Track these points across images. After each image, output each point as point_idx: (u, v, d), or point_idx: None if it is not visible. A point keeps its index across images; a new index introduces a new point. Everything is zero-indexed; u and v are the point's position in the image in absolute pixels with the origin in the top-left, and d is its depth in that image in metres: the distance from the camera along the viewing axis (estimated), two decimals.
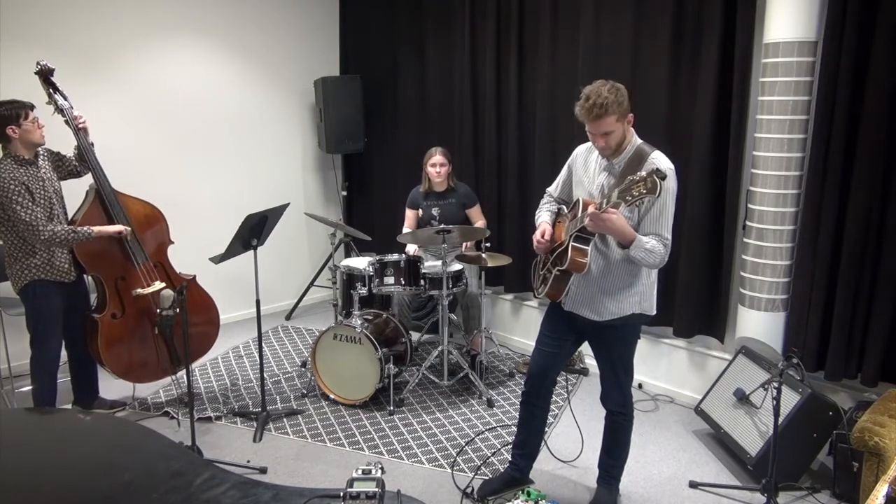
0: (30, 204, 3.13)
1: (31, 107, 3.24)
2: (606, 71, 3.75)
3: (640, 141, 2.51)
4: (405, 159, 5.23)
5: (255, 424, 3.55)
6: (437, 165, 4.29)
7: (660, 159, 2.43)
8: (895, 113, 2.91)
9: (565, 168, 2.78)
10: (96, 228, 3.31)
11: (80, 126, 3.39)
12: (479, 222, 4.45)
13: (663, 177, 2.14)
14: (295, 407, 3.81)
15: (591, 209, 2.32)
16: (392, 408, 3.73)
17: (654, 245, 2.39)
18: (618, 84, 2.42)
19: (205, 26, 4.87)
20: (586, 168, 2.64)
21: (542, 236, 2.63)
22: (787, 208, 3.21)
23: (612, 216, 2.28)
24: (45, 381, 3.35)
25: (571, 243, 2.45)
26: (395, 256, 3.98)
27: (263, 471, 3.17)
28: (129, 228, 3.41)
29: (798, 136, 3.14)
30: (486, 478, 3.07)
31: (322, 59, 5.56)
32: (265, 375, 3.85)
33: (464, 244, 4.19)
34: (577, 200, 2.54)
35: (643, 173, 2.16)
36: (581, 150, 2.70)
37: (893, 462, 2.36)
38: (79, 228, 3.26)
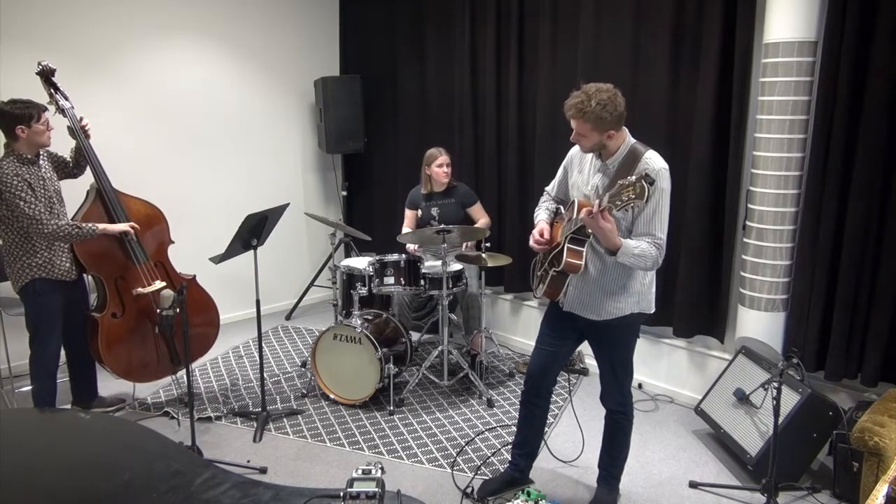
0: (32, 199, 3.13)
1: (45, 109, 3.24)
2: (606, 71, 3.78)
3: (633, 141, 2.51)
4: (405, 159, 5.23)
5: (255, 424, 3.55)
6: (444, 165, 4.28)
7: (653, 160, 2.43)
8: (895, 113, 2.91)
9: (561, 168, 2.80)
10: (101, 225, 3.31)
11: (85, 129, 3.39)
12: (483, 220, 4.44)
13: (651, 182, 2.15)
14: (295, 407, 3.81)
15: (584, 211, 2.32)
16: (392, 408, 3.73)
17: (643, 249, 2.38)
18: (618, 99, 2.40)
19: (205, 26, 4.87)
20: (581, 169, 2.65)
21: (540, 236, 2.64)
22: (787, 208, 3.21)
23: (607, 223, 2.28)
24: (45, 381, 3.35)
25: (567, 245, 2.46)
26: (395, 256, 3.98)
27: (263, 471, 3.17)
28: (136, 226, 3.42)
29: (798, 136, 3.14)
30: (486, 478, 3.07)
31: (322, 59, 5.56)
32: (265, 375, 3.85)
33: (464, 244, 4.18)
34: (573, 202, 2.55)
35: (632, 178, 2.16)
36: (576, 150, 2.70)
37: (893, 462, 2.36)
38: (83, 224, 3.26)
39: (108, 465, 2.11)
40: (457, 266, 4.01)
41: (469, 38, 4.66)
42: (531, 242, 2.66)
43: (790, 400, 2.97)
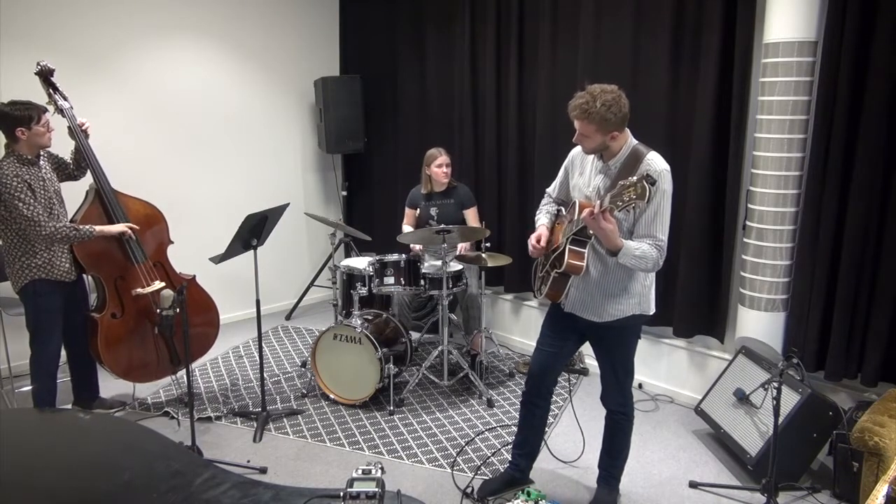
0: (31, 201, 3.13)
1: (45, 110, 3.23)
2: (606, 71, 3.78)
3: (635, 142, 2.51)
4: (405, 159, 5.23)
5: (255, 424, 3.55)
6: (443, 165, 4.28)
7: (655, 161, 2.43)
8: (895, 113, 2.91)
9: (562, 170, 2.79)
10: (98, 228, 3.31)
11: (84, 130, 3.39)
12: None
13: (653, 182, 2.15)
14: (295, 407, 3.81)
15: (586, 211, 2.32)
16: (392, 408, 3.73)
17: (644, 251, 2.38)
18: (623, 100, 2.39)
19: (205, 26, 4.87)
20: (582, 170, 2.65)
21: (538, 242, 2.64)
22: (787, 208, 3.21)
23: (609, 224, 2.28)
24: (45, 381, 3.34)
25: (568, 246, 2.46)
26: (395, 256, 3.98)
27: (263, 471, 3.17)
28: (134, 227, 3.42)
29: (798, 136, 3.14)
30: (486, 478, 3.07)
31: (322, 59, 5.56)
32: (265, 375, 3.85)
33: (459, 246, 4.17)
34: (574, 203, 2.55)
35: (633, 178, 2.16)
36: (577, 151, 2.70)
37: (893, 462, 2.36)
38: (81, 227, 3.26)
39: (108, 465, 2.11)
40: (457, 266, 4.01)
41: (469, 38, 4.66)
42: (530, 249, 2.67)
43: (790, 400, 2.97)
